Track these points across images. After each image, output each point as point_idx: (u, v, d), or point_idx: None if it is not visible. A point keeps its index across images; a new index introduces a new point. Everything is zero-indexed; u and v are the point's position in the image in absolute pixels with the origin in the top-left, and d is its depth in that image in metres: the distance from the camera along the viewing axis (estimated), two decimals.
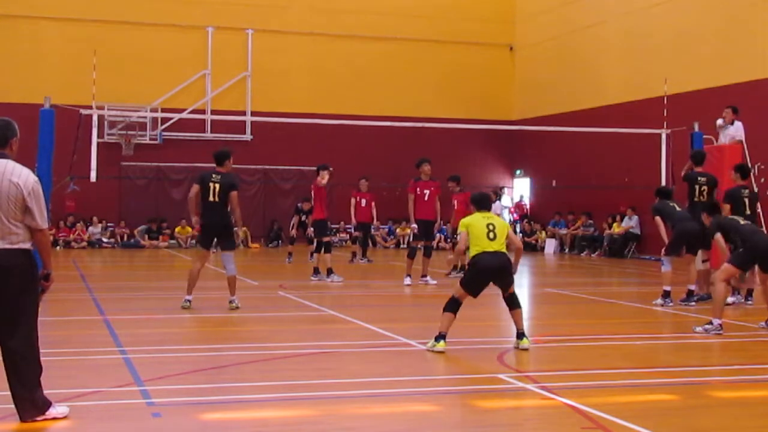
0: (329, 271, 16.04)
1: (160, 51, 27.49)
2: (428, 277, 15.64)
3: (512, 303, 9.00)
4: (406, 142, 26.71)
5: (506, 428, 6.05)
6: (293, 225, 21.70)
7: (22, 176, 5.78)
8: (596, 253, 25.06)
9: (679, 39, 23.28)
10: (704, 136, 16.73)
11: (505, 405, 6.69)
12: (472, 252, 8.87)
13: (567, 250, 26.30)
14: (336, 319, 11.16)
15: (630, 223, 24.37)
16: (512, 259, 9.02)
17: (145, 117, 26.57)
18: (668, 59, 23.35)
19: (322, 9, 29.06)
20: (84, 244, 25.80)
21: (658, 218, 12.89)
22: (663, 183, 18.08)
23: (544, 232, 27.26)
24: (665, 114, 19.08)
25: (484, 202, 9.19)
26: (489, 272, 8.82)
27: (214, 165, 11.92)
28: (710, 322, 9.94)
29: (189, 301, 11.68)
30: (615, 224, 24.92)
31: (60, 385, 6.58)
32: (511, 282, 8.98)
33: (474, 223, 8.90)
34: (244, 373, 7.59)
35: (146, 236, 26.54)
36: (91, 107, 18.90)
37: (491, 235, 8.78)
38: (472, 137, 28.60)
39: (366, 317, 11.03)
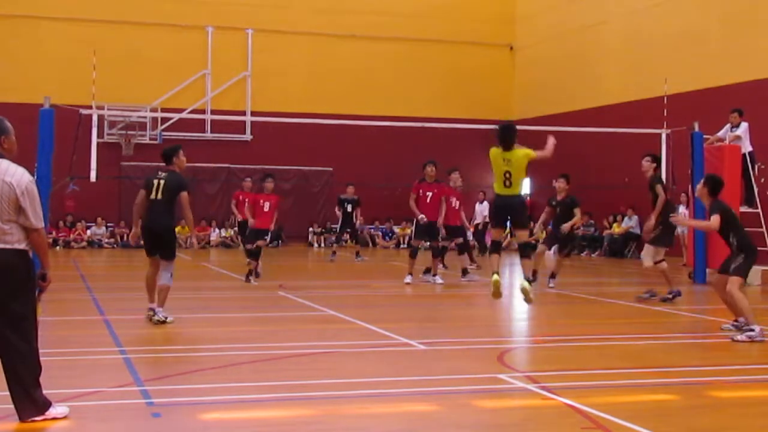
0: (464, 271, 16.37)
1: (160, 51, 27.50)
2: (437, 276, 15.69)
3: (521, 251, 10.41)
4: (407, 142, 26.70)
5: (506, 428, 6.05)
6: (339, 218, 22.03)
7: (16, 175, 5.74)
8: (596, 253, 25.06)
9: (679, 39, 23.28)
10: (704, 136, 16.76)
11: (505, 405, 6.69)
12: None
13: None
14: (336, 319, 11.16)
15: (630, 223, 24.38)
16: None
17: (145, 117, 26.58)
18: (668, 59, 23.35)
19: (322, 9, 29.07)
20: (84, 244, 25.80)
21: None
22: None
23: (544, 232, 27.23)
24: (665, 114, 19.07)
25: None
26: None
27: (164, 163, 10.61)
28: (752, 329, 9.64)
29: (153, 310, 10.33)
30: (615, 224, 24.93)
31: (60, 385, 6.57)
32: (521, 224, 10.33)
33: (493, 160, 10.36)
34: (244, 373, 7.59)
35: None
36: (91, 107, 18.89)
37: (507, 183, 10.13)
38: (472, 137, 28.57)
39: (366, 317, 11.02)
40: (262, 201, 15.85)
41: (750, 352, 9.16)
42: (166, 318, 10.15)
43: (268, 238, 16.36)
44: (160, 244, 10.16)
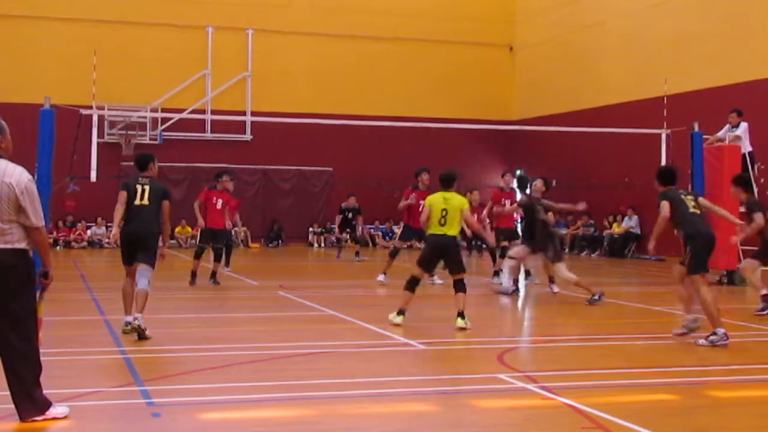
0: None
1: (160, 51, 27.49)
2: (435, 277, 15.68)
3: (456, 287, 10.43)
4: (406, 142, 26.72)
5: (506, 428, 6.05)
6: (338, 224, 22.21)
7: (15, 175, 5.75)
8: (596, 253, 25.06)
9: (679, 39, 23.28)
10: (704, 136, 16.77)
11: (505, 405, 6.69)
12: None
13: (567, 250, 26.28)
14: (336, 319, 11.16)
15: (630, 223, 24.38)
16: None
17: (145, 117, 26.58)
18: (668, 59, 23.36)
19: (322, 9, 29.08)
20: (84, 244, 25.81)
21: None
22: None
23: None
24: (665, 114, 19.08)
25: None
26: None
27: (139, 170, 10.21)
28: (714, 333, 9.23)
29: (129, 323, 9.40)
30: (615, 224, 24.93)
31: (60, 385, 6.57)
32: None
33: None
34: (244, 373, 7.59)
35: None
36: (91, 107, 18.93)
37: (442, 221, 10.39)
38: (472, 137, 28.61)
39: (366, 317, 11.02)
40: (215, 198, 15.28)
41: (750, 352, 9.16)
42: (146, 329, 9.19)
43: (223, 242, 15.66)
44: (146, 249, 9.64)
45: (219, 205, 15.32)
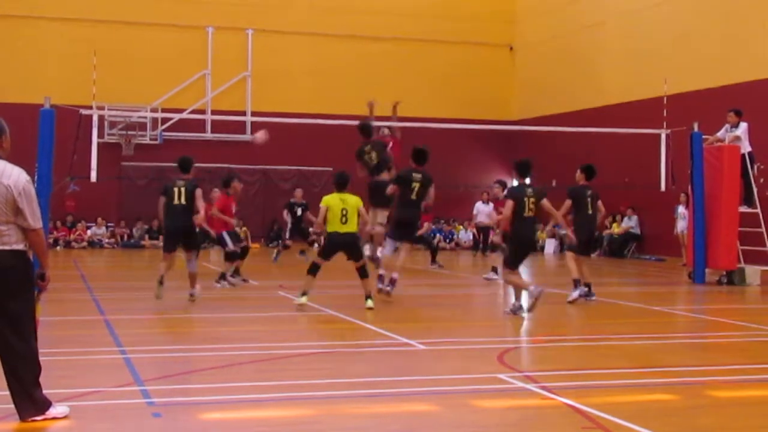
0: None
1: (160, 51, 27.49)
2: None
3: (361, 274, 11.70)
4: (406, 141, 26.58)
5: (506, 428, 6.05)
6: (288, 222, 21.46)
7: (12, 177, 5.72)
8: (596, 253, 25.05)
9: (679, 39, 23.29)
10: (704, 136, 16.77)
11: (505, 405, 6.68)
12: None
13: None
14: (336, 319, 11.16)
15: (630, 223, 24.39)
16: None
17: (145, 117, 26.58)
18: (668, 59, 23.36)
19: (322, 9, 29.07)
20: (84, 244, 25.81)
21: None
22: (663, 183, 18.07)
23: (543, 232, 27.23)
24: (665, 114, 19.08)
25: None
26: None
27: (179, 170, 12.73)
28: (529, 294, 10.96)
29: (193, 294, 12.21)
30: (615, 224, 24.93)
31: (60, 385, 6.57)
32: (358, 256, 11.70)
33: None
34: (244, 373, 7.59)
35: (146, 236, 26.55)
36: (91, 107, 18.92)
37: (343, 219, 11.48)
38: (471, 137, 28.59)
39: (366, 317, 11.02)
40: (233, 206, 15.46)
41: (750, 352, 9.16)
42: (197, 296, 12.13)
43: (242, 241, 16.14)
44: (188, 240, 12.18)
45: (234, 210, 15.64)
